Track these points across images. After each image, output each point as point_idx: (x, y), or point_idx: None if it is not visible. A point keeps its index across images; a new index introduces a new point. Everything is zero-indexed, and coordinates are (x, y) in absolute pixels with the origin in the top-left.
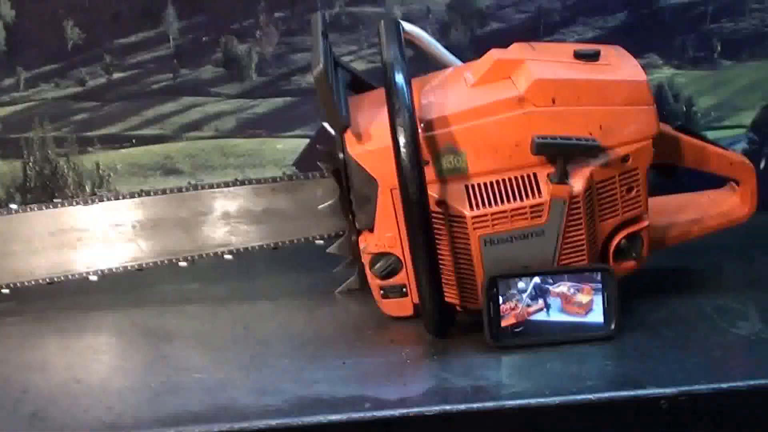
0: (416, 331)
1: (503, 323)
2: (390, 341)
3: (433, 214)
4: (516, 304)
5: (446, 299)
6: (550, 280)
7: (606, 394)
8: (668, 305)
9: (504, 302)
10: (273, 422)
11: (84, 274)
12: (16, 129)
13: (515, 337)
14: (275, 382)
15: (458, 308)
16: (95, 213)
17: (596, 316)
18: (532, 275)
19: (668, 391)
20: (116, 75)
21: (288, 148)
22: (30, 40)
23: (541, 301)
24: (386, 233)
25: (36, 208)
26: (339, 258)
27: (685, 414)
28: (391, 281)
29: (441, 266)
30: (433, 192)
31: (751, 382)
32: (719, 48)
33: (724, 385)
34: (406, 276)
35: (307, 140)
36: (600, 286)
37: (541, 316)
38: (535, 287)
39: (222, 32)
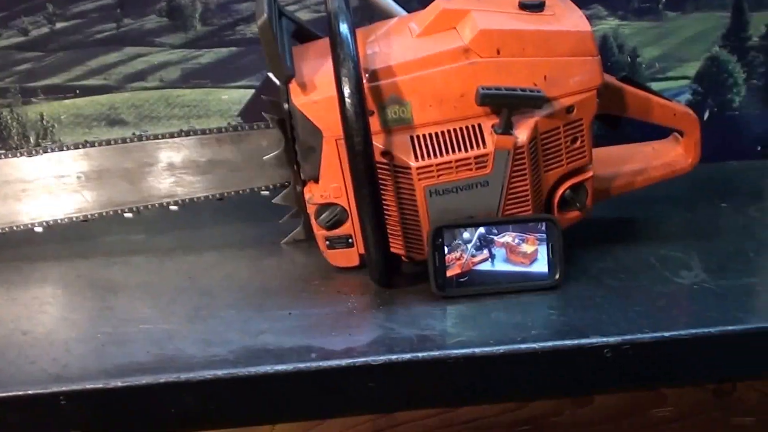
0: (362, 281)
1: (448, 273)
2: (336, 291)
3: (378, 165)
4: (461, 255)
5: (392, 249)
6: (495, 231)
7: (550, 343)
8: (612, 255)
9: (449, 252)
10: (219, 372)
11: (29, 226)
12: None
13: (460, 287)
14: (221, 332)
15: (404, 258)
16: (40, 164)
17: (541, 266)
18: (477, 225)
19: (612, 340)
20: (59, 25)
21: (233, 98)
22: None
23: (486, 252)
24: (331, 184)
25: None
26: (284, 209)
27: (629, 362)
28: (337, 232)
29: (386, 217)
30: (378, 143)
31: (694, 331)
32: None
33: (666, 334)
34: (351, 226)
35: (253, 91)
36: (544, 236)
37: (486, 266)
38: (480, 237)
39: None
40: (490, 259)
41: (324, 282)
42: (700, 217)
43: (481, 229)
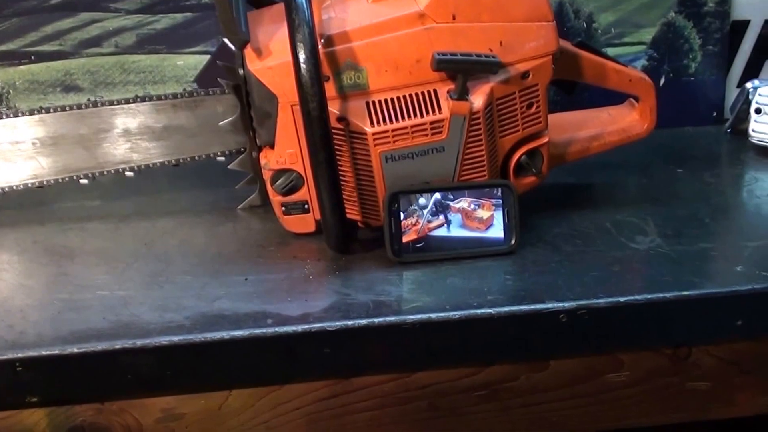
0: (318, 247)
1: (404, 239)
2: (292, 257)
3: (334, 131)
4: (417, 220)
5: (348, 215)
6: (451, 196)
7: (506, 309)
8: (568, 221)
9: (405, 218)
10: (175, 338)
11: None
12: None
13: (416, 252)
14: (177, 298)
15: (360, 224)
16: None
17: (497, 231)
18: (432, 191)
19: (567, 305)
20: None
21: (189, 64)
22: None
23: (441, 217)
24: (287, 149)
25: None
26: (240, 174)
27: (585, 327)
28: (293, 197)
29: (342, 183)
30: (333, 108)
31: (649, 296)
32: None
33: (622, 299)
34: (307, 192)
35: (208, 56)
36: (500, 201)
37: (441, 232)
38: (435, 203)
39: None
40: (446, 225)
41: (280, 248)
42: (656, 183)
43: (437, 195)
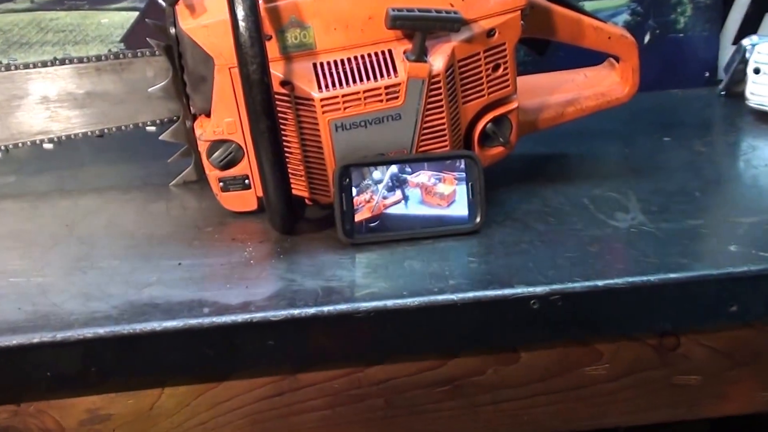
0: (261, 227)
1: (357, 218)
2: (231, 239)
3: (278, 96)
4: (371, 197)
5: (294, 191)
6: (409, 169)
7: (470, 294)
8: (540, 196)
9: (358, 194)
10: (101, 330)
11: None
12: None
13: (371, 232)
14: (103, 285)
15: (308, 202)
16: None
17: (460, 208)
18: (388, 164)
19: (539, 290)
20: None
21: (114, 22)
22: None
23: (398, 193)
24: (225, 118)
25: None
26: (173, 146)
27: (559, 314)
28: (232, 172)
29: (287, 155)
30: (276, 71)
31: (631, 279)
32: None
33: (600, 283)
34: (248, 166)
35: (136, 14)
36: (464, 175)
37: (399, 210)
38: (392, 177)
39: None
40: (403, 201)
41: (218, 228)
42: (639, 153)
43: (393, 168)
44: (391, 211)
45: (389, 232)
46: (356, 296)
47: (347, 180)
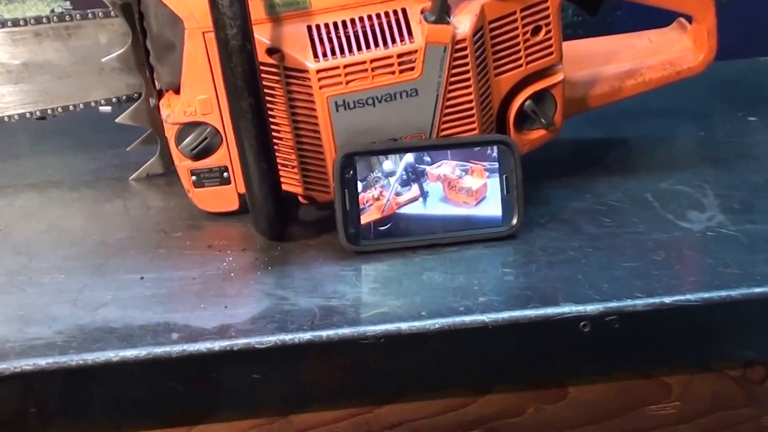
0: (243, 232)
1: (363, 219)
2: (206, 247)
3: (264, 68)
4: (381, 193)
5: (284, 187)
6: (428, 159)
7: (505, 314)
8: (592, 191)
9: (364, 190)
10: (42, 362)
11: None
12: None
13: (380, 238)
14: (45, 306)
15: (301, 200)
16: None
17: (492, 207)
18: (402, 152)
19: (591, 308)
20: None
21: None
22: None
23: (415, 188)
24: (198, 95)
25: None
26: (133, 131)
27: (616, 339)
28: (207, 162)
29: (276, 141)
30: (262, 36)
31: (707, 295)
32: None
33: (667, 300)
34: (227, 155)
35: None
36: (496, 165)
37: (415, 209)
38: (407, 169)
39: None
40: (421, 199)
41: (189, 234)
42: (717, 137)
43: (409, 157)
44: (406, 210)
45: (403, 238)
46: (362, 318)
47: (351, 172)
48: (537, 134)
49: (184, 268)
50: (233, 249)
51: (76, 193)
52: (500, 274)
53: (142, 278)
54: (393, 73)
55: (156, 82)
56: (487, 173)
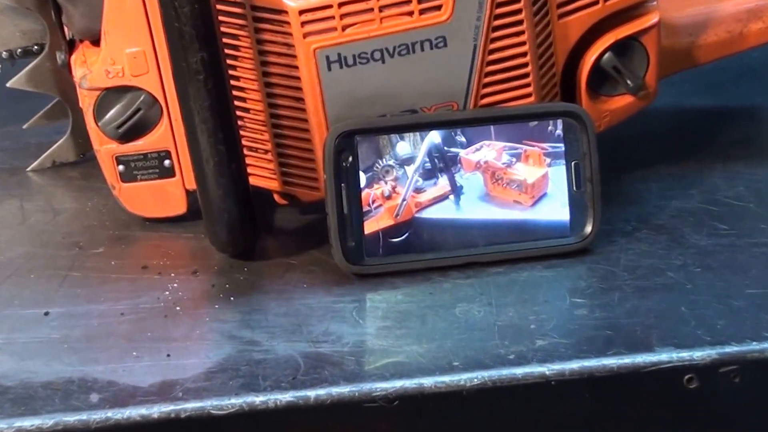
0: (194, 247)
1: (369, 227)
2: (141, 268)
3: (222, 7)
4: (394, 189)
5: (253, 181)
6: (462, 139)
7: (574, 365)
8: (701, 185)
9: (370, 185)
10: None
11: None
12: None
13: (393, 254)
14: None
15: (278, 199)
16: None
17: (555, 208)
18: (424, 128)
19: (700, 356)
20: None
21: None
22: None
23: (443, 182)
24: (126, 47)
25: None
26: (32, 100)
27: (736, 399)
28: (141, 145)
29: (241, 115)
30: None
31: None
32: None
33: None
34: (170, 135)
35: None
36: (561, 148)
37: (444, 212)
38: (431, 153)
39: None
40: (452, 197)
41: (116, 249)
42: None
43: (434, 137)
44: (431, 214)
45: (427, 254)
46: (367, 371)
47: (350, 159)
48: (621, 102)
49: (109, 299)
50: (180, 271)
51: None
52: (568, 307)
53: (46, 314)
54: (411, 13)
55: (66, 29)
56: (549, 159)
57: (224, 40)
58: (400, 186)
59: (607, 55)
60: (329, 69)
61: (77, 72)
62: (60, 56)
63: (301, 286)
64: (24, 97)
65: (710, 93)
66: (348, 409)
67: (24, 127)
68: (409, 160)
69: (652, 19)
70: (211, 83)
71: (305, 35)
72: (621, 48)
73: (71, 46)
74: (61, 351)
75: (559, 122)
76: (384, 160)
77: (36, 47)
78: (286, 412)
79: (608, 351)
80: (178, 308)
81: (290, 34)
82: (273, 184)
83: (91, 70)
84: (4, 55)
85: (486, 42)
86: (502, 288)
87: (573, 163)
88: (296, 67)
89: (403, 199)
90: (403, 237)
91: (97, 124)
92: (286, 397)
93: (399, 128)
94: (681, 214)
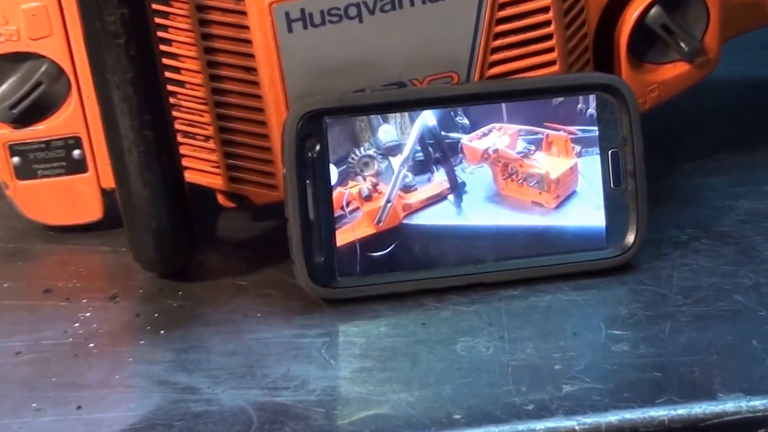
0: (112, 264)
1: (342, 238)
2: (42, 292)
3: None
4: (375, 188)
5: (190, 177)
6: (464, 121)
7: (612, 417)
8: None
9: (343, 182)
10: None
11: None
12: None
13: (374, 273)
14: None
15: (222, 201)
16: None
17: (587, 211)
18: (413, 107)
19: None
20: None
21: None
22: None
23: (440, 177)
24: (21, 1)
25: None
26: None
27: None
28: (42, 130)
29: (174, 90)
30: None
31: None
32: None
33: None
34: (80, 116)
35: None
36: (595, 132)
37: (439, 216)
38: (424, 140)
39: None
40: (452, 198)
41: (8, 267)
42: None
43: (427, 118)
44: (423, 220)
45: (418, 272)
46: (340, 425)
47: (317, 147)
48: (672, 71)
49: (1, 333)
50: (94, 296)
51: None
52: (604, 341)
53: None
54: None
55: None
56: (578, 147)
57: None
58: (384, 183)
59: (654, 10)
60: (290, 30)
61: None
62: None
63: (254, 315)
64: None
65: None
66: None
67: None
68: (396, 149)
69: None
70: (133, 49)
71: None
72: (672, 1)
73: None
74: None
75: (592, 98)
76: (362, 149)
77: None
78: None
79: (657, 399)
80: (91, 345)
81: None
82: (216, 181)
83: None
84: None
85: None
86: (517, 317)
87: (610, 152)
88: (246, 28)
89: (388, 201)
90: (388, 250)
91: None
92: None
93: (382, 107)
94: (752, 218)
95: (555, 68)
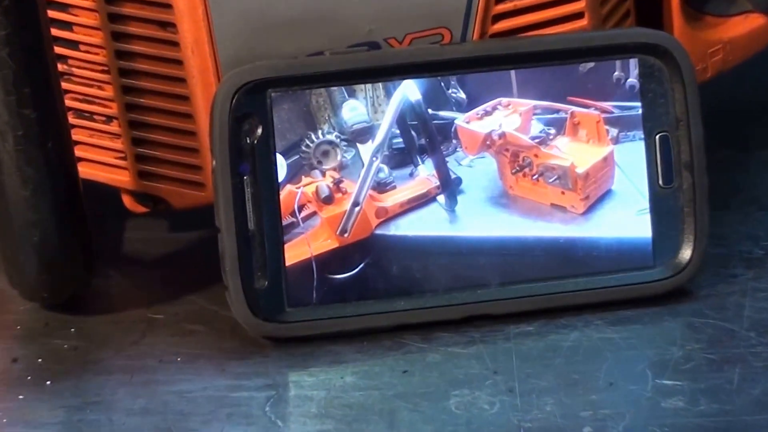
0: None
1: (292, 255)
2: None
3: None
4: (339, 186)
5: (86, 173)
6: (460, 95)
7: None
8: None
9: (294, 177)
10: None
11: None
12: None
13: (334, 301)
14: None
15: (129, 203)
16: None
17: (624, 217)
18: (388, 76)
19: None
20: None
21: None
22: None
23: (424, 172)
24: None
25: None
26: None
27: None
28: None
29: (65, 54)
30: None
31: None
32: None
33: None
34: None
35: None
36: (637, 110)
37: (426, 223)
38: (403, 120)
39: None
40: (442, 198)
41: None
42: None
43: (409, 90)
44: (404, 229)
45: (396, 301)
46: None
47: (258, 131)
48: (742, 27)
49: None
50: None
51: None
52: (650, 394)
53: None
54: None
55: None
56: (615, 131)
57: None
58: (350, 180)
59: None
60: None
61: None
62: None
63: (173, 360)
64: None
65: None
66: None
67: None
68: (366, 134)
69: None
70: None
71: None
72: None
73: None
74: None
75: (633, 63)
76: (320, 133)
77: None
78: None
79: None
80: None
81: None
82: (122, 178)
83: None
84: None
85: None
86: (532, 361)
87: (658, 137)
88: None
89: (355, 204)
90: (356, 271)
91: None
92: None
93: (346, 76)
94: None
95: (582, 22)
